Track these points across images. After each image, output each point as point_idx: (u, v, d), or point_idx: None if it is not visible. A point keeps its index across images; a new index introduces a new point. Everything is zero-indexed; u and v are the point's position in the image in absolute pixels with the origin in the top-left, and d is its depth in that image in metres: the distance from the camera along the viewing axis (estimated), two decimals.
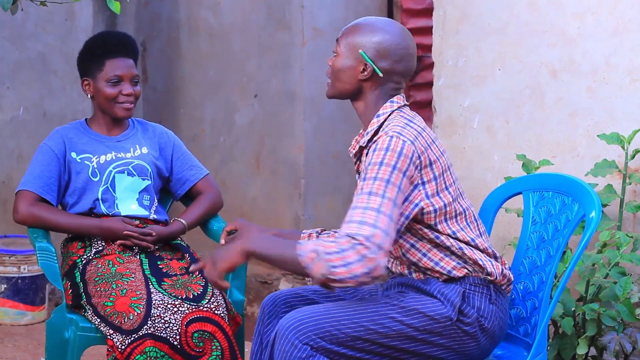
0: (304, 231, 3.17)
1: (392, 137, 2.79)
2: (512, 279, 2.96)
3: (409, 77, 2.95)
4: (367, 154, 2.86)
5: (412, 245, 2.88)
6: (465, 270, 2.86)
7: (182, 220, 3.63)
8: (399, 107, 2.92)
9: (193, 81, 5.71)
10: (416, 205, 2.81)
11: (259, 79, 5.37)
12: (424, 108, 5.07)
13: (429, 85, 4.71)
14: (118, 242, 3.46)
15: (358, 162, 2.98)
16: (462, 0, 4.33)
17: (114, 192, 3.53)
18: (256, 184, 5.43)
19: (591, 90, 3.94)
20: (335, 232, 3.12)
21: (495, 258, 2.92)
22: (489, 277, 2.88)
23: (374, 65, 2.89)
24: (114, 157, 3.55)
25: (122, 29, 5.82)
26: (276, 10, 5.25)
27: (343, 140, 5.26)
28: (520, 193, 3.22)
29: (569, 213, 3.03)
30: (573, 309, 3.56)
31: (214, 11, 5.55)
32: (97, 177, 3.51)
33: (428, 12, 4.90)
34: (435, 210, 2.83)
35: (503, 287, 2.92)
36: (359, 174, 2.98)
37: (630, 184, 3.77)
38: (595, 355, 3.64)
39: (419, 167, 2.80)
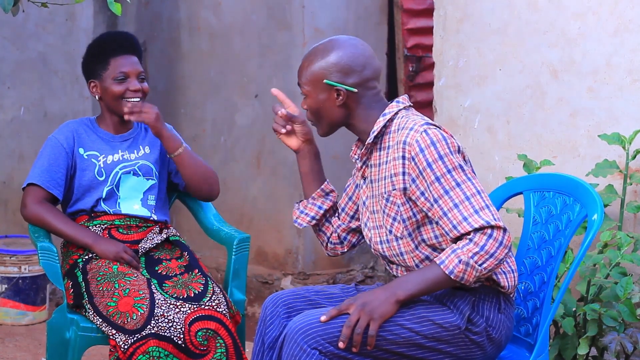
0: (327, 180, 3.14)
1: (425, 131, 2.78)
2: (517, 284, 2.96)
3: (379, 77, 2.92)
4: (379, 155, 2.86)
5: (427, 257, 2.87)
6: (478, 282, 2.85)
7: (185, 145, 3.56)
8: (404, 107, 2.91)
9: (194, 81, 5.71)
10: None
11: (259, 79, 5.37)
12: (424, 108, 5.07)
13: (430, 85, 4.72)
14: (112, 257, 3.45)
15: (364, 167, 2.95)
16: (463, 0, 4.33)
17: (118, 191, 3.53)
18: (257, 184, 5.43)
19: (592, 91, 3.94)
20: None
21: (511, 271, 2.89)
22: (501, 290, 2.87)
23: (344, 87, 2.85)
24: (120, 158, 3.55)
25: (123, 30, 5.82)
26: (277, 11, 5.25)
27: (343, 141, 5.24)
28: (520, 193, 3.22)
29: (570, 213, 3.02)
30: (574, 309, 3.56)
31: (214, 11, 5.55)
32: (103, 176, 3.51)
33: (429, 12, 4.90)
34: None
35: (511, 296, 2.91)
36: (364, 180, 2.97)
37: (631, 184, 3.77)
38: (596, 356, 3.64)
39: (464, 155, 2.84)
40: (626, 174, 3.75)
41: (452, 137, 2.81)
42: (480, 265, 2.71)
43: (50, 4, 3.79)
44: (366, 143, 2.89)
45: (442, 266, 2.73)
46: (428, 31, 4.95)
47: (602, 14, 3.91)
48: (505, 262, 2.85)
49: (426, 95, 5.16)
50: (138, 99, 3.51)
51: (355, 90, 2.86)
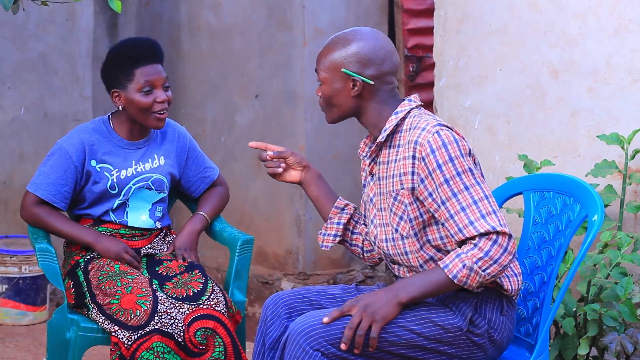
0: (340, 197, 3.14)
1: (437, 132, 2.77)
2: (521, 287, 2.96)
3: (397, 72, 2.92)
4: (389, 153, 2.86)
5: (431, 258, 2.87)
6: (481, 287, 2.85)
7: (202, 213, 3.61)
8: (417, 106, 2.91)
9: (194, 81, 5.71)
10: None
11: (260, 79, 5.37)
12: (425, 108, 5.07)
13: (430, 85, 4.72)
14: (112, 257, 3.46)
15: (373, 164, 2.95)
16: (463, 0, 4.33)
17: (128, 202, 3.51)
18: (257, 184, 5.43)
19: (592, 91, 3.94)
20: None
21: (515, 275, 2.88)
22: (505, 293, 2.87)
23: (361, 78, 2.85)
24: (134, 172, 3.48)
25: (123, 30, 5.82)
26: (277, 11, 5.25)
27: (344, 140, 5.26)
28: (520, 193, 3.22)
29: (570, 214, 3.02)
30: (574, 309, 3.56)
31: (215, 11, 5.55)
32: (116, 190, 3.47)
33: (429, 12, 4.91)
34: None
35: (514, 298, 2.91)
36: (372, 177, 2.97)
37: (631, 184, 3.77)
38: (597, 356, 3.64)
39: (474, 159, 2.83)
40: (625, 174, 3.75)
41: (463, 139, 2.81)
42: (484, 270, 2.71)
43: (50, 3, 3.80)
44: (377, 141, 2.89)
45: (445, 270, 2.73)
46: (428, 31, 4.96)
47: (602, 14, 3.91)
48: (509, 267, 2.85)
49: (426, 95, 5.15)
50: (165, 110, 3.43)
51: (372, 82, 2.85)
